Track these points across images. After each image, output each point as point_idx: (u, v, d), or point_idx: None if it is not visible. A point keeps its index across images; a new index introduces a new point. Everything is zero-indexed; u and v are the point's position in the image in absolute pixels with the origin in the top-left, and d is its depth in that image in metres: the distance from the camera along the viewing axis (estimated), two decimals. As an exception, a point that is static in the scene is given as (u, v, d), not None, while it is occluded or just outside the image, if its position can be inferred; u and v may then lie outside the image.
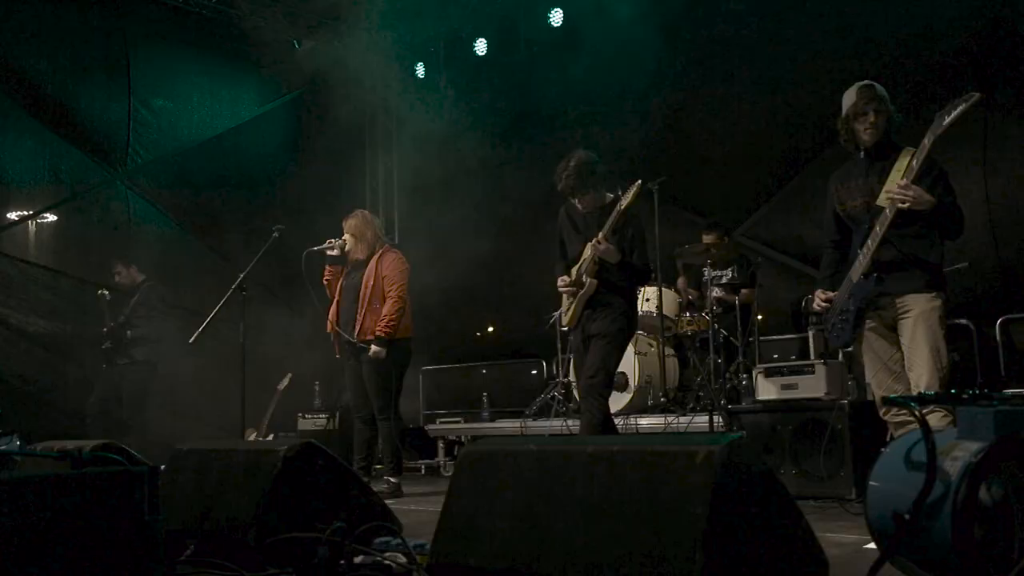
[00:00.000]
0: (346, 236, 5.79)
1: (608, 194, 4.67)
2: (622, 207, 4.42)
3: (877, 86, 3.84)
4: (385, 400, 5.65)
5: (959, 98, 3.42)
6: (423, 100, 9.37)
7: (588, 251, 4.57)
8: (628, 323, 4.64)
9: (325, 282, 5.88)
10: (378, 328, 5.55)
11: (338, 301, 5.83)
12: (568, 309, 4.77)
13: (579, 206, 4.69)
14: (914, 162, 3.57)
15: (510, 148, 8.68)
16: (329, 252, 5.75)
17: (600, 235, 4.44)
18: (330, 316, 5.82)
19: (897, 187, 3.58)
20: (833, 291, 3.94)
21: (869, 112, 3.77)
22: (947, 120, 3.44)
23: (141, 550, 2.04)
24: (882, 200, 3.70)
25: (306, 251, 5.64)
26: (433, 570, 2.26)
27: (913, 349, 3.66)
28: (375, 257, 5.75)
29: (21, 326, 7.40)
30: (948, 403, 2.68)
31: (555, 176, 4.63)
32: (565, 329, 5.18)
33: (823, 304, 3.96)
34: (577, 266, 4.69)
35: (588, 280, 4.57)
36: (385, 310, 5.59)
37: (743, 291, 6.62)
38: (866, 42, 6.80)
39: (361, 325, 5.61)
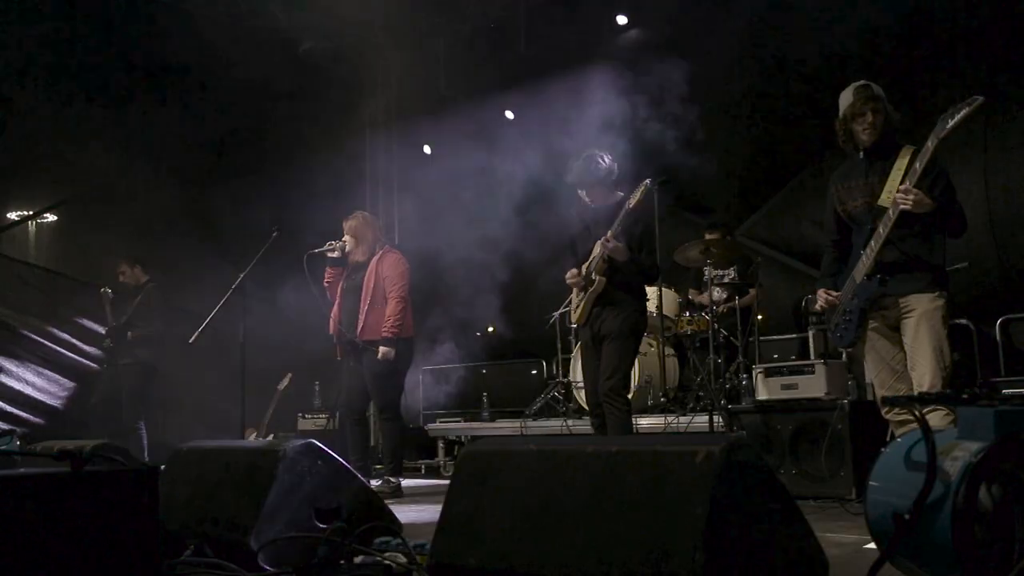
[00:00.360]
0: (346, 237, 5.79)
1: (619, 192, 4.71)
2: (630, 206, 4.46)
3: (874, 85, 3.84)
4: (387, 400, 5.65)
5: (962, 102, 3.44)
6: (423, 100, 9.37)
7: (597, 249, 4.61)
8: (639, 321, 4.68)
9: (326, 284, 5.87)
10: (383, 330, 5.54)
11: (340, 303, 5.82)
12: (577, 306, 4.80)
13: (588, 200, 4.73)
14: (917, 164, 3.57)
15: (510, 148, 8.67)
16: (329, 254, 5.74)
17: (609, 233, 4.48)
18: (332, 318, 5.81)
19: (898, 191, 3.59)
20: (836, 291, 3.94)
21: (867, 112, 3.77)
22: (950, 123, 3.46)
23: (141, 550, 2.03)
24: (884, 200, 3.70)
25: (307, 254, 5.63)
26: (433, 570, 2.26)
27: (916, 349, 3.66)
28: (375, 258, 5.74)
29: (20, 327, 7.40)
30: (948, 403, 2.68)
31: (567, 169, 4.70)
32: (574, 326, 5.20)
33: (827, 305, 3.96)
34: (587, 264, 4.72)
35: (597, 278, 4.61)
36: (388, 311, 5.58)
37: (748, 292, 6.61)
38: (866, 41, 6.80)
39: (363, 325, 5.60)
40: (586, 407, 5.57)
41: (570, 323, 5.54)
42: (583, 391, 5.79)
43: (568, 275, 4.79)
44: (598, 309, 4.66)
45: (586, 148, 4.72)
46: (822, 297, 3.99)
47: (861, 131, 3.80)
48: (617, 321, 4.58)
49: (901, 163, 3.70)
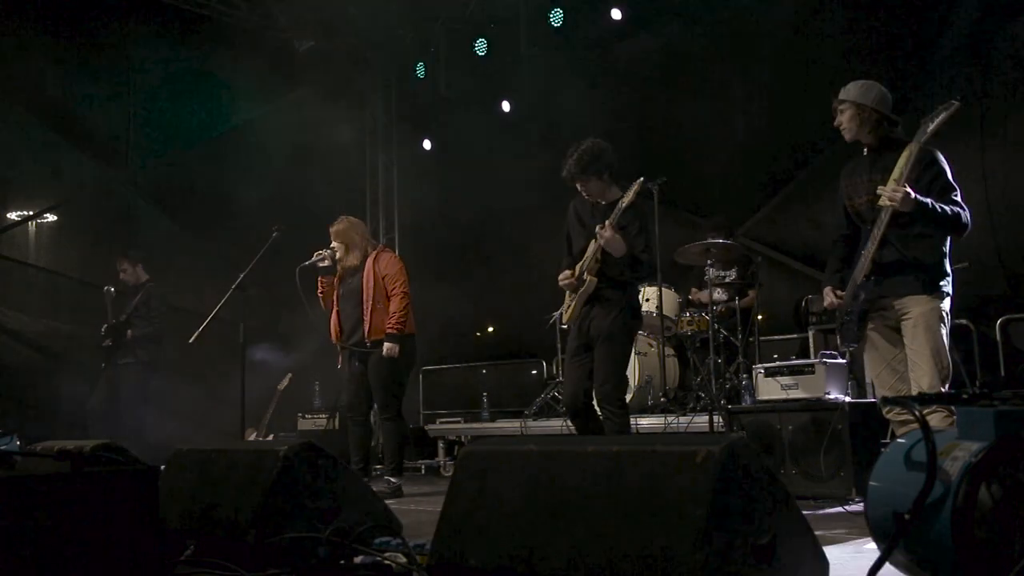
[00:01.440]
0: (335, 244, 5.74)
1: (617, 189, 4.64)
2: (623, 204, 4.40)
3: (847, 87, 3.86)
4: (389, 398, 5.62)
5: (941, 106, 3.54)
6: (423, 100, 9.38)
7: (591, 247, 4.56)
8: (631, 319, 4.60)
9: (320, 294, 5.84)
10: (388, 327, 5.54)
11: (338, 310, 5.78)
12: (569, 305, 4.73)
13: (584, 194, 4.65)
14: (906, 167, 3.60)
15: (509, 148, 8.68)
16: (320, 264, 5.71)
17: (606, 223, 4.39)
18: (332, 328, 5.79)
19: (885, 190, 3.61)
20: (843, 289, 3.95)
21: (835, 113, 3.85)
22: (931, 127, 3.55)
23: (141, 550, 2.04)
24: (883, 200, 3.70)
25: (298, 267, 5.62)
26: (433, 570, 2.26)
27: (915, 351, 3.66)
28: (370, 259, 5.72)
29: (20, 327, 7.40)
30: (948, 403, 2.68)
31: (563, 163, 4.60)
32: (564, 326, 5.15)
33: (834, 303, 3.96)
34: (580, 262, 4.67)
35: (588, 278, 4.54)
36: (392, 307, 5.58)
37: (749, 292, 6.61)
38: (867, 41, 6.79)
39: (370, 325, 5.57)
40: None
41: (561, 324, 5.51)
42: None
43: (561, 277, 4.71)
44: (587, 308, 4.57)
45: (582, 142, 4.61)
46: (828, 296, 4.00)
47: (842, 132, 3.86)
48: (607, 320, 4.49)
49: (902, 161, 3.71)
